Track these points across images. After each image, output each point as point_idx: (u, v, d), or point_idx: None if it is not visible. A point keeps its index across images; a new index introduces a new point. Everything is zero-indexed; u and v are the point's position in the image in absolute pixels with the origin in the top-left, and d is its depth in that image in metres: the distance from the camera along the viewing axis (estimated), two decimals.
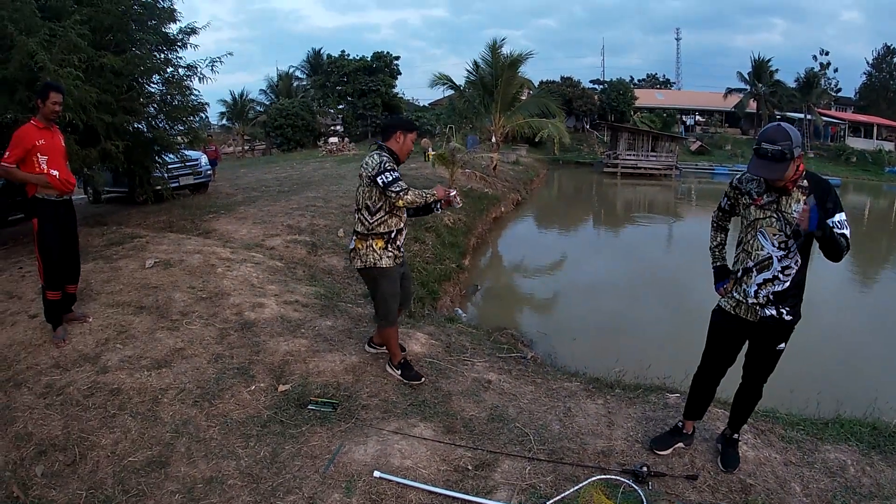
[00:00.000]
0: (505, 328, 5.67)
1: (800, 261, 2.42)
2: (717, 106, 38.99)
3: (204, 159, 10.79)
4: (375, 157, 3.17)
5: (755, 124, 38.88)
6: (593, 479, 2.67)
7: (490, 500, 2.55)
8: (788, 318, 2.46)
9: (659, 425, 3.18)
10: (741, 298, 2.55)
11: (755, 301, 2.49)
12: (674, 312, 8.15)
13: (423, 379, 3.54)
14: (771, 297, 2.46)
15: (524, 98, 19.84)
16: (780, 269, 2.43)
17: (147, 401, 3.16)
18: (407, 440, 2.93)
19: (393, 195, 3.11)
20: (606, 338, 6.50)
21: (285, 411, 3.12)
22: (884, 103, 40.89)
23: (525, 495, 2.60)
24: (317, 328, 4.13)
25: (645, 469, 2.70)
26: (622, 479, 2.67)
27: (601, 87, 42.61)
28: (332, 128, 31.88)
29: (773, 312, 2.46)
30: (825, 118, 37.47)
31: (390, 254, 3.31)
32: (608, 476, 2.70)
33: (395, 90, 33.32)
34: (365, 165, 3.21)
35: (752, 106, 38.21)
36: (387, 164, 3.11)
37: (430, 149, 17.95)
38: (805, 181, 2.36)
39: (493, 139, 18.95)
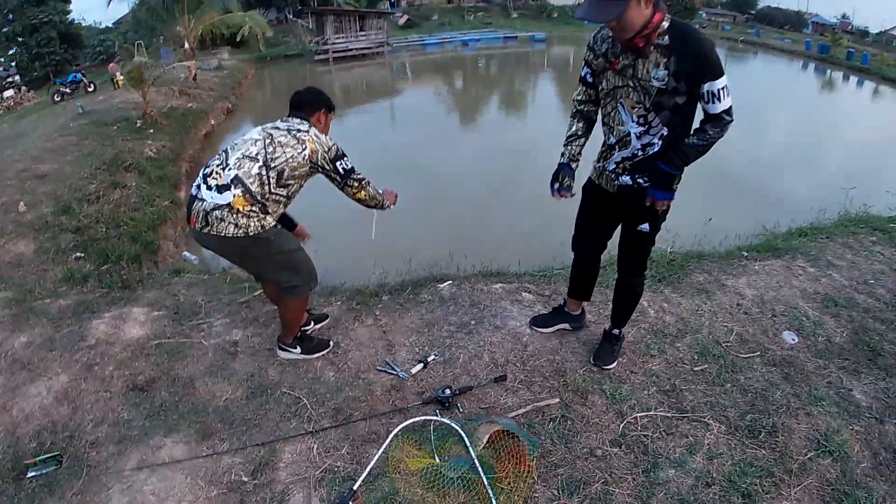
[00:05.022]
0: None
1: (665, 134, 2.01)
2: None
3: None
4: (315, 131, 2.41)
5: None
6: (396, 430, 2.17)
7: None
8: (646, 184, 2.12)
9: (443, 328, 2.84)
10: (601, 170, 2.25)
11: (611, 170, 2.19)
12: (423, 193, 7.64)
13: (330, 344, 2.80)
14: (628, 166, 2.13)
15: None
16: (639, 147, 2.06)
17: None
18: (156, 473, 2.12)
19: (354, 185, 2.46)
20: (356, 242, 4.90)
21: (2, 495, 2.11)
22: None
23: (326, 486, 2.02)
24: (10, 352, 2.89)
25: (448, 391, 2.31)
26: (428, 417, 2.25)
27: None
28: (7, 80, 24.69)
29: (629, 180, 2.14)
30: None
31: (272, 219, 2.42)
32: (411, 419, 2.24)
33: (71, 17, 27.79)
34: (302, 134, 2.34)
35: None
36: (340, 148, 2.45)
37: (118, 73, 15.62)
38: (666, 37, 1.84)
39: (187, 46, 16.63)
